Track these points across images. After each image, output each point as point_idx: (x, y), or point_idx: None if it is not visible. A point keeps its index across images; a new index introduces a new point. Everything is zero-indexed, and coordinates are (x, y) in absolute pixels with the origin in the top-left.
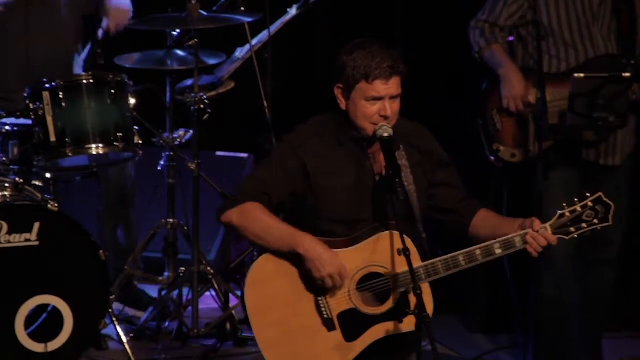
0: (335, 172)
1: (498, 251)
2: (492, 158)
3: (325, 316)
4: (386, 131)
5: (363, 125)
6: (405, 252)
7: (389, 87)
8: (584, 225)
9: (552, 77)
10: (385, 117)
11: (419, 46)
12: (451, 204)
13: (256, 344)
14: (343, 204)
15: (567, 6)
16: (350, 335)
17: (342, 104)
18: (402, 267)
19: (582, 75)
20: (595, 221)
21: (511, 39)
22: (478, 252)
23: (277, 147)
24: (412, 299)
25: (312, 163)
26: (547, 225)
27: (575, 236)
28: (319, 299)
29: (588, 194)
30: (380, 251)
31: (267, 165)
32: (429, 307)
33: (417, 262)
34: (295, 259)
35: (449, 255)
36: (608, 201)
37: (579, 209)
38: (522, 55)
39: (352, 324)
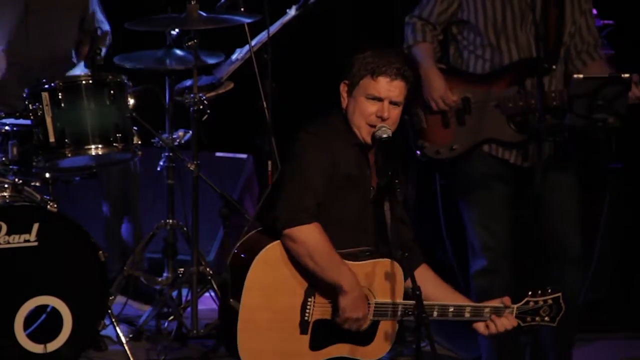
0: (347, 174)
1: (467, 315)
2: (418, 153)
3: (306, 318)
4: (385, 132)
5: (359, 124)
6: (404, 253)
7: (391, 88)
8: (537, 318)
9: (477, 78)
10: (382, 119)
11: None
12: (402, 243)
13: None
14: (350, 208)
15: (493, 6)
16: (316, 344)
17: (344, 101)
18: (384, 297)
19: (581, 76)
20: (547, 319)
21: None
22: (451, 309)
23: (310, 143)
24: (381, 330)
25: (337, 163)
26: (515, 306)
27: (526, 327)
28: (308, 299)
29: (549, 289)
30: (371, 276)
31: (310, 168)
32: (386, 348)
33: (400, 297)
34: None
35: (427, 303)
36: (563, 304)
37: (541, 302)
38: (452, 53)
39: (322, 334)
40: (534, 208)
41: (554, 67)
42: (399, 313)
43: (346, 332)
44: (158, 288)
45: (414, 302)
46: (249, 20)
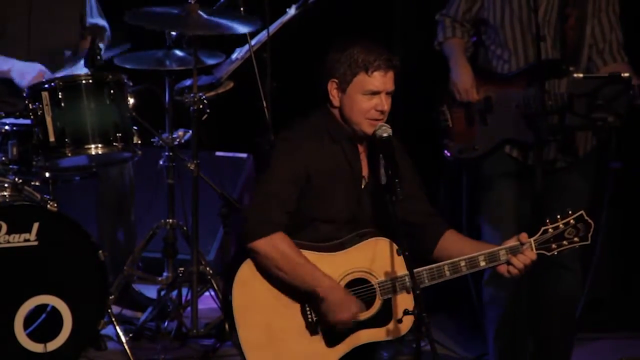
0: (331, 171)
1: (482, 263)
2: (446, 153)
3: (310, 320)
4: (386, 131)
5: (358, 120)
6: (403, 252)
7: (386, 81)
8: (564, 242)
9: (499, 78)
10: (382, 112)
11: (419, 46)
12: (419, 218)
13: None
14: (339, 204)
15: (511, 7)
16: (332, 340)
17: (335, 99)
18: (387, 274)
19: (580, 75)
20: (576, 239)
21: (474, 39)
22: (462, 263)
23: (280, 150)
24: (396, 306)
25: (311, 164)
26: (532, 240)
27: (555, 253)
28: (305, 301)
29: (570, 211)
30: (368, 257)
31: (277, 177)
32: (409, 323)
33: (402, 270)
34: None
35: (434, 265)
36: (589, 220)
37: (561, 225)
38: (480, 53)
39: (334, 329)
40: (533, 209)
41: (571, 68)
42: (409, 284)
43: (360, 321)
44: (158, 287)
45: (421, 268)
46: (248, 30)
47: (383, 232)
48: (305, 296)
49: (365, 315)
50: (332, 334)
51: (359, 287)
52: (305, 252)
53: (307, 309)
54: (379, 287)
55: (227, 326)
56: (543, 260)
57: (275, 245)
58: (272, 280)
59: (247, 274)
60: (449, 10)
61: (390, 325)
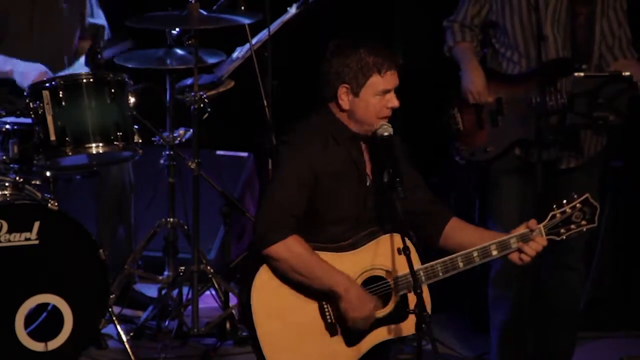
0: (337, 172)
1: (494, 252)
2: (457, 157)
3: (329, 320)
4: (386, 130)
5: (372, 121)
6: (405, 250)
7: (395, 78)
8: (572, 226)
9: (509, 79)
10: (392, 109)
11: (418, 46)
12: (421, 206)
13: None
14: (346, 204)
15: (520, 8)
16: (351, 340)
17: (345, 103)
18: (402, 269)
19: (581, 74)
20: (583, 222)
21: (485, 50)
22: (475, 253)
23: (285, 155)
24: (412, 301)
25: (317, 166)
26: (541, 226)
27: (564, 237)
28: (323, 302)
29: (575, 195)
30: (382, 254)
31: (284, 182)
32: (428, 306)
33: (417, 264)
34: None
35: (447, 258)
36: (594, 202)
37: (568, 210)
38: (489, 55)
39: (353, 328)
40: (535, 208)
41: (584, 66)
42: (423, 279)
43: (378, 319)
44: (159, 286)
45: (435, 261)
46: (249, 21)
47: (388, 230)
48: (323, 297)
49: (382, 312)
50: (352, 333)
51: (375, 284)
52: (320, 254)
53: (326, 310)
54: (394, 283)
55: (228, 324)
56: (546, 260)
57: (290, 248)
58: (290, 284)
59: (264, 279)
60: (457, 16)
61: (408, 321)
